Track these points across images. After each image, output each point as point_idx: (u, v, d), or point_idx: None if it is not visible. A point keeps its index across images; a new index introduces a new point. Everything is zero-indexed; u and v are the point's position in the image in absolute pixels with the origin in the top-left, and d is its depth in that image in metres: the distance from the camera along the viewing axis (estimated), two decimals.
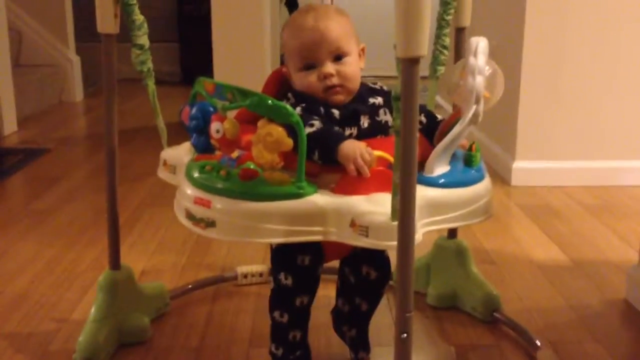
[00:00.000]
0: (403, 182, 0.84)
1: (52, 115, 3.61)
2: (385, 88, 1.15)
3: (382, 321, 1.36)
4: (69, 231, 1.92)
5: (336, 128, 1.06)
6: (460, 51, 1.38)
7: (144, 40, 1.22)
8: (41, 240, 1.85)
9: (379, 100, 1.12)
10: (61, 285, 1.58)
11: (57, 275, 1.63)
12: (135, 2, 1.18)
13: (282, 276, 1.09)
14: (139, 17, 1.20)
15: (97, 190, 2.28)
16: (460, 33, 1.37)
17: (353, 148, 0.98)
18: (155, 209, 2.08)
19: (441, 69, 1.35)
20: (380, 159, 1.00)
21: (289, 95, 1.12)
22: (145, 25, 1.22)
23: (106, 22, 1.18)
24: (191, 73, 4.66)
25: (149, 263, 1.70)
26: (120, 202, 1.31)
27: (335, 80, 1.08)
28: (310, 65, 1.09)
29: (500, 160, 2.48)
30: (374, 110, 1.11)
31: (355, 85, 1.11)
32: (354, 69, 1.10)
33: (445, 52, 1.34)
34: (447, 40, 1.33)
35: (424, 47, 0.81)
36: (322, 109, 1.07)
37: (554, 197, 2.25)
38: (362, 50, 1.14)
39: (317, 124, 1.02)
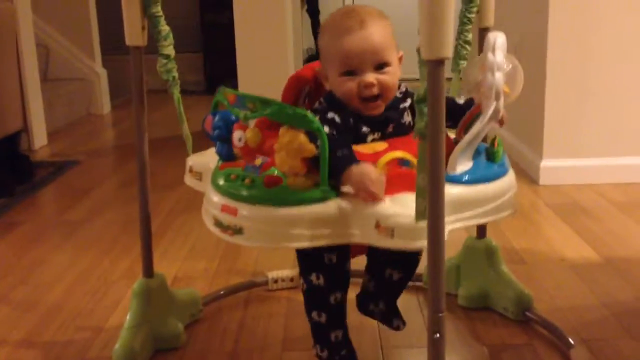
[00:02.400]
0: (432, 184, 0.85)
1: (80, 128, 3.66)
2: (409, 89, 1.15)
3: (414, 322, 1.36)
4: (101, 241, 1.96)
5: (362, 130, 1.06)
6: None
7: (169, 50, 1.24)
8: (75, 251, 1.89)
9: (407, 103, 1.13)
10: (96, 294, 1.61)
11: (91, 284, 1.66)
12: (161, 13, 1.21)
13: (313, 277, 1.10)
14: (164, 28, 1.22)
15: (127, 200, 2.32)
16: (483, 33, 1.37)
17: (361, 176, 0.96)
18: (185, 216, 2.11)
19: (463, 63, 1.35)
20: (399, 159, 1.01)
21: (321, 100, 1.12)
22: (171, 35, 1.24)
23: (134, 34, 1.20)
24: (215, 82, 4.69)
25: (180, 270, 1.72)
26: (151, 211, 1.33)
27: (375, 90, 1.07)
28: (351, 72, 1.08)
29: (528, 159, 2.46)
30: (401, 114, 1.12)
31: (392, 94, 1.10)
32: (394, 78, 1.09)
33: (468, 47, 1.34)
34: (470, 36, 1.33)
35: (449, 49, 0.81)
36: (351, 120, 1.07)
37: (583, 195, 2.23)
38: (400, 58, 1.13)
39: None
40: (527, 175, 2.42)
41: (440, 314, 0.87)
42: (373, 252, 1.18)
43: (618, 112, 2.35)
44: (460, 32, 1.33)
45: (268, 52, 2.82)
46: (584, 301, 1.50)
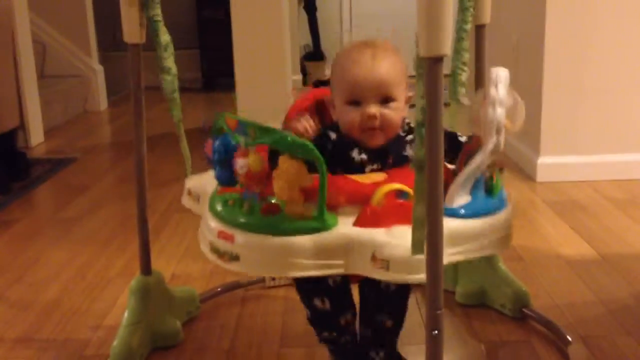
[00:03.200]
0: (430, 208, 0.84)
1: (77, 124, 3.66)
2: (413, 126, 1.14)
3: (412, 320, 1.36)
4: (98, 238, 1.95)
5: (359, 157, 1.09)
6: (480, 50, 1.37)
7: (170, 62, 1.23)
8: (71, 248, 1.88)
9: (410, 137, 1.12)
10: (93, 291, 1.60)
11: (88, 281, 1.66)
12: (160, 18, 1.20)
13: (317, 302, 1.09)
14: (165, 37, 1.21)
15: (124, 197, 2.32)
16: (480, 30, 1.37)
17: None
18: (182, 214, 2.10)
19: (462, 90, 1.34)
20: (397, 191, 1.01)
21: (329, 133, 1.12)
22: (172, 46, 1.23)
23: (132, 32, 1.19)
24: (212, 79, 4.70)
25: (178, 267, 1.72)
26: (148, 208, 1.33)
27: (377, 123, 1.07)
28: (356, 102, 1.08)
29: (525, 156, 2.47)
30: (403, 147, 1.11)
31: (394, 131, 1.10)
32: (397, 115, 1.09)
33: (465, 68, 1.32)
34: (467, 56, 1.32)
35: (447, 46, 0.81)
36: (352, 154, 1.08)
37: (580, 192, 2.23)
38: (409, 98, 1.12)
39: None
40: (524, 173, 2.42)
41: (439, 311, 0.87)
42: (364, 299, 1.18)
43: (615, 109, 2.35)
44: (457, 52, 1.31)
45: (265, 48, 2.82)
46: (581, 298, 1.50)
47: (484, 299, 1.45)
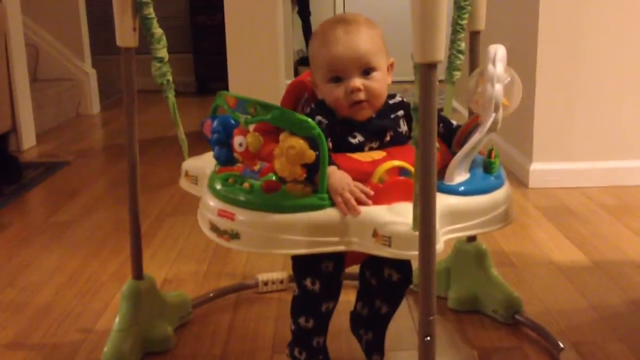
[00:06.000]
0: (423, 186, 0.85)
1: (69, 128, 3.65)
2: (404, 100, 1.15)
3: (403, 325, 1.36)
4: (90, 242, 1.95)
5: (356, 140, 1.07)
6: (475, 55, 1.38)
7: (163, 53, 1.24)
8: (64, 252, 1.87)
9: (400, 112, 1.13)
10: (85, 295, 1.60)
11: (80, 286, 1.65)
12: (153, 15, 1.20)
13: (308, 282, 1.09)
14: (157, 31, 1.22)
15: (116, 201, 2.31)
16: (474, 36, 1.38)
17: (340, 181, 0.97)
18: (175, 218, 2.10)
19: (457, 74, 1.35)
20: (398, 169, 1.01)
21: (312, 105, 1.13)
22: (164, 38, 1.23)
23: (125, 35, 1.19)
24: (206, 83, 4.70)
25: (170, 272, 1.72)
26: (141, 212, 1.32)
27: (362, 96, 1.08)
28: (337, 78, 1.09)
29: (517, 162, 2.47)
30: (396, 122, 1.12)
31: (381, 101, 1.11)
32: (381, 84, 1.09)
33: (461, 56, 1.34)
34: (462, 45, 1.34)
35: (441, 52, 0.81)
36: (339, 129, 1.08)
37: (572, 198, 2.24)
38: (391, 65, 1.13)
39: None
40: (517, 178, 2.43)
41: (431, 317, 0.87)
42: (364, 281, 1.20)
43: (607, 116, 2.36)
44: (453, 42, 1.33)
45: (259, 53, 2.82)
46: (573, 304, 1.50)
47: (476, 305, 1.45)
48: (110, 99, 4.23)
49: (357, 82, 1.07)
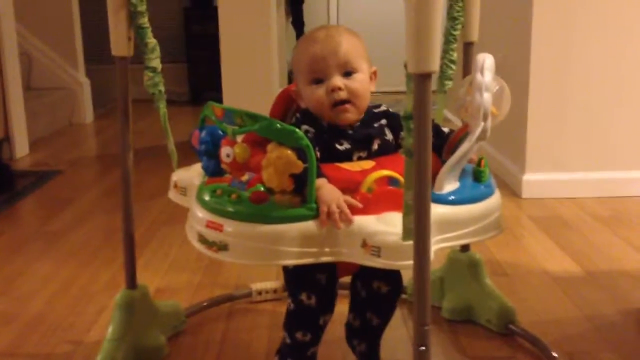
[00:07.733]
0: (417, 197, 0.85)
1: (62, 137, 3.64)
2: (390, 109, 1.16)
3: (397, 335, 1.36)
4: (83, 251, 1.94)
5: (343, 147, 1.07)
6: (468, 66, 1.39)
7: (156, 63, 1.23)
8: (56, 262, 1.87)
9: (383, 121, 1.13)
10: (77, 305, 1.59)
11: (72, 295, 1.64)
12: (148, 25, 1.20)
13: (304, 297, 1.09)
14: (151, 41, 1.22)
15: (109, 210, 2.30)
16: (468, 48, 1.39)
17: (330, 194, 0.97)
18: (168, 227, 2.09)
19: (449, 83, 1.36)
20: (387, 178, 1.01)
21: (297, 115, 1.13)
22: (158, 48, 1.23)
23: (120, 45, 1.19)
24: (199, 93, 4.70)
25: (163, 281, 1.71)
26: (134, 221, 1.32)
27: (343, 95, 1.08)
28: (319, 80, 1.10)
29: (510, 172, 2.48)
30: (382, 131, 1.12)
31: (363, 103, 1.11)
32: (363, 85, 1.10)
33: (453, 66, 1.35)
34: (455, 55, 1.34)
35: (436, 63, 0.82)
36: (326, 136, 1.08)
37: (565, 209, 2.24)
38: (374, 73, 1.14)
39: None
40: (510, 189, 2.44)
41: (426, 327, 0.87)
42: (355, 293, 1.20)
43: (599, 127, 2.37)
44: (446, 52, 1.34)
45: (253, 63, 2.82)
46: (567, 314, 1.51)
47: (470, 315, 1.45)
48: (103, 108, 4.22)
49: (338, 81, 1.08)
